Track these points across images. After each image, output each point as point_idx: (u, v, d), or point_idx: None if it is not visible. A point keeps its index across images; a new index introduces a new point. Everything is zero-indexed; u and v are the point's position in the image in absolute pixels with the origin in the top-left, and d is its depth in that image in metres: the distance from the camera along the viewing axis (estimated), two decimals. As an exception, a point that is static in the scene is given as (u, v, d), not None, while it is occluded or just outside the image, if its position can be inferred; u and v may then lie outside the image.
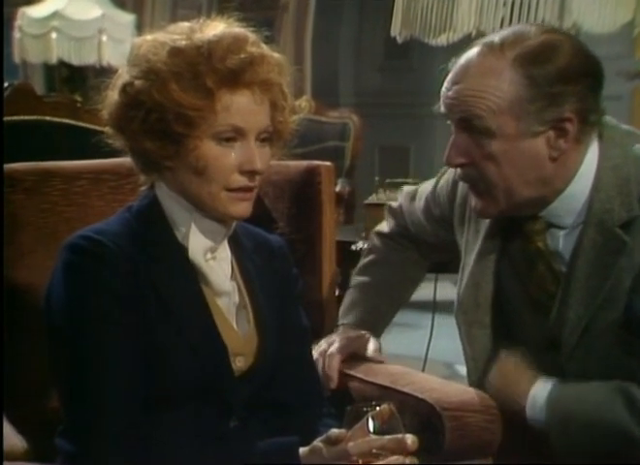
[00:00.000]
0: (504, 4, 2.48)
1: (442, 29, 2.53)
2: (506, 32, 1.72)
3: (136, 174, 1.69)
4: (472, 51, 1.71)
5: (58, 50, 6.22)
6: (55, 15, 6.18)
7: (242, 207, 1.61)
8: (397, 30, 2.64)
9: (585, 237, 1.71)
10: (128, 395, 1.54)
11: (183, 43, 1.57)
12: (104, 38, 6.19)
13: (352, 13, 8.51)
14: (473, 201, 1.77)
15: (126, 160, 1.69)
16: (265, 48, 1.61)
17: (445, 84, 1.72)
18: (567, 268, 1.74)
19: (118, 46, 6.10)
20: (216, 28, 1.60)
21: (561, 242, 1.75)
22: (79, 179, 1.98)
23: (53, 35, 6.18)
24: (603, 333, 1.70)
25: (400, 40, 2.65)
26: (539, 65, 1.65)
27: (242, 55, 1.56)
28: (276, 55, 1.62)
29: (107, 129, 1.63)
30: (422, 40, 2.60)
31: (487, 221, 1.82)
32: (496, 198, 1.71)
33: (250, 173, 1.59)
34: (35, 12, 6.30)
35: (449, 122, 1.74)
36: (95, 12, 6.23)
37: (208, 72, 1.55)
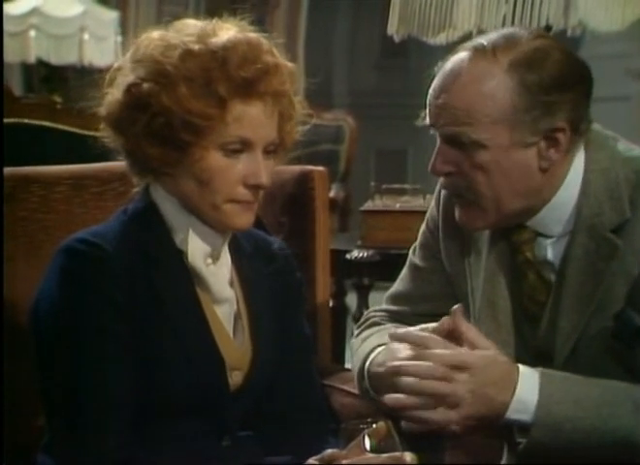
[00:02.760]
0: (506, 1, 2.48)
1: (441, 27, 2.53)
2: (495, 36, 1.70)
3: (120, 180, 1.69)
4: (461, 56, 1.69)
5: (37, 49, 6.21)
6: (34, 11, 6.18)
7: (245, 219, 1.62)
8: (393, 28, 2.64)
9: (575, 244, 1.71)
10: (122, 409, 1.55)
11: (197, 46, 1.57)
12: (85, 36, 6.18)
13: (347, 9, 8.53)
14: (458, 213, 1.75)
15: (109, 165, 1.69)
16: (278, 57, 1.62)
17: (431, 92, 1.69)
18: (557, 277, 1.74)
19: (100, 44, 6.11)
20: (229, 32, 1.60)
21: (550, 251, 1.75)
22: (58, 185, 1.98)
23: (32, 33, 6.17)
24: (595, 342, 1.70)
25: (397, 38, 2.65)
26: (534, 71, 1.65)
27: (259, 65, 1.57)
28: (289, 65, 1.63)
29: (103, 128, 1.62)
30: (420, 38, 2.60)
31: (485, 238, 1.81)
32: (484, 209, 1.71)
33: (255, 188, 1.60)
34: (12, 8, 6.28)
35: (432, 132, 1.70)
36: (76, 8, 6.23)
37: (221, 79, 1.55)
